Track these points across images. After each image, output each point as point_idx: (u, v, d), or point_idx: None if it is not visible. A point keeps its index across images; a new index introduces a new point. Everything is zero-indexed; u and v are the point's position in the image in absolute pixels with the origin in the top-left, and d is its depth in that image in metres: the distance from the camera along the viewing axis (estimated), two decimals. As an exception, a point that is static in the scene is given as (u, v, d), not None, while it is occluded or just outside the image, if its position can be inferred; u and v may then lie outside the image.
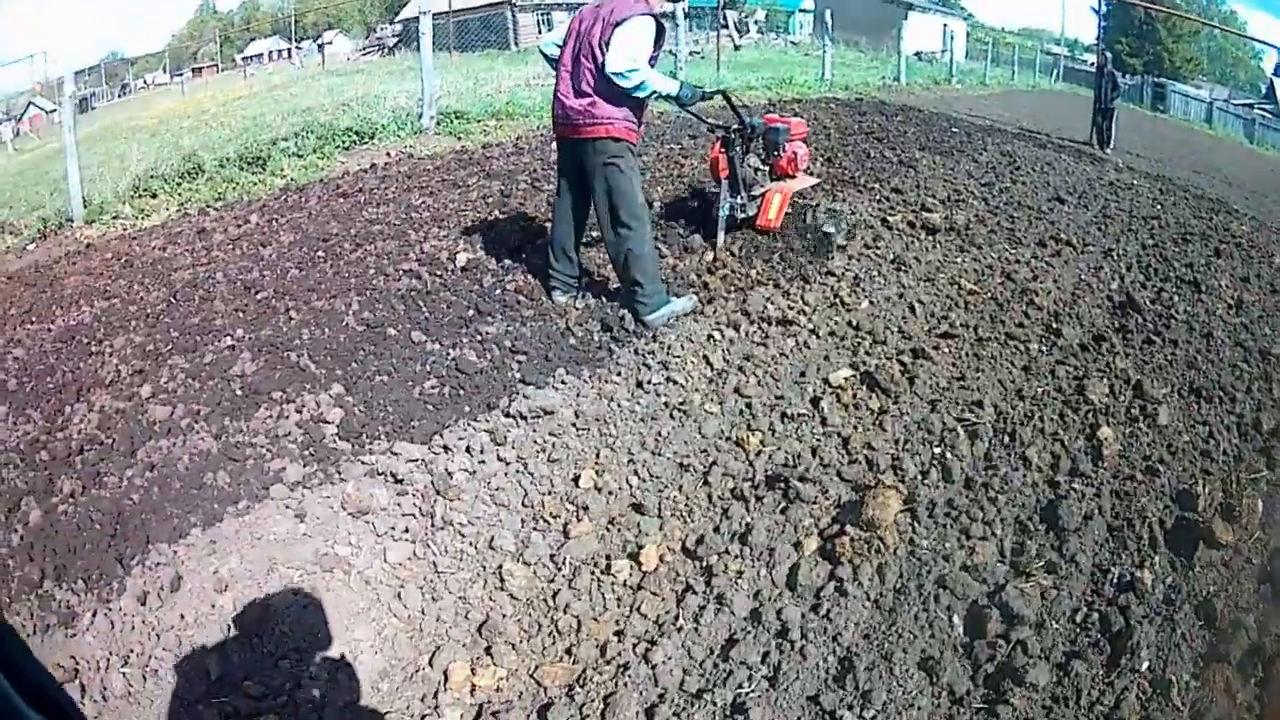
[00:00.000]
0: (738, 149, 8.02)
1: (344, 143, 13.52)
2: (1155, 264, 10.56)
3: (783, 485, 5.31)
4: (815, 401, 6.29)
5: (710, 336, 6.99)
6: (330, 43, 58.75)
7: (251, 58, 60.58)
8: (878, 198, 11.13)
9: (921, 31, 49.64)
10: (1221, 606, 4.65)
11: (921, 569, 4.79)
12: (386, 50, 50.04)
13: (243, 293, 7.50)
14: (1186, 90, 56.50)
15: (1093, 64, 28.10)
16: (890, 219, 10.04)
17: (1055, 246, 10.37)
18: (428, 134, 14.08)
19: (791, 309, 7.45)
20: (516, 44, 49.38)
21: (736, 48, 28.82)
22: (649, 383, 6.38)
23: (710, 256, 8.16)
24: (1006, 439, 6.03)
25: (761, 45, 47.00)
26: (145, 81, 54.41)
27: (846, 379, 6.53)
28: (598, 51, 6.17)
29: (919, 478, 5.56)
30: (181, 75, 54.83)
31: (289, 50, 58.80)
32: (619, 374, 6.49)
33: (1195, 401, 6.81)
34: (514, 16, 51.43)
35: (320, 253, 8.36)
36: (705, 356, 6.72)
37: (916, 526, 5.09)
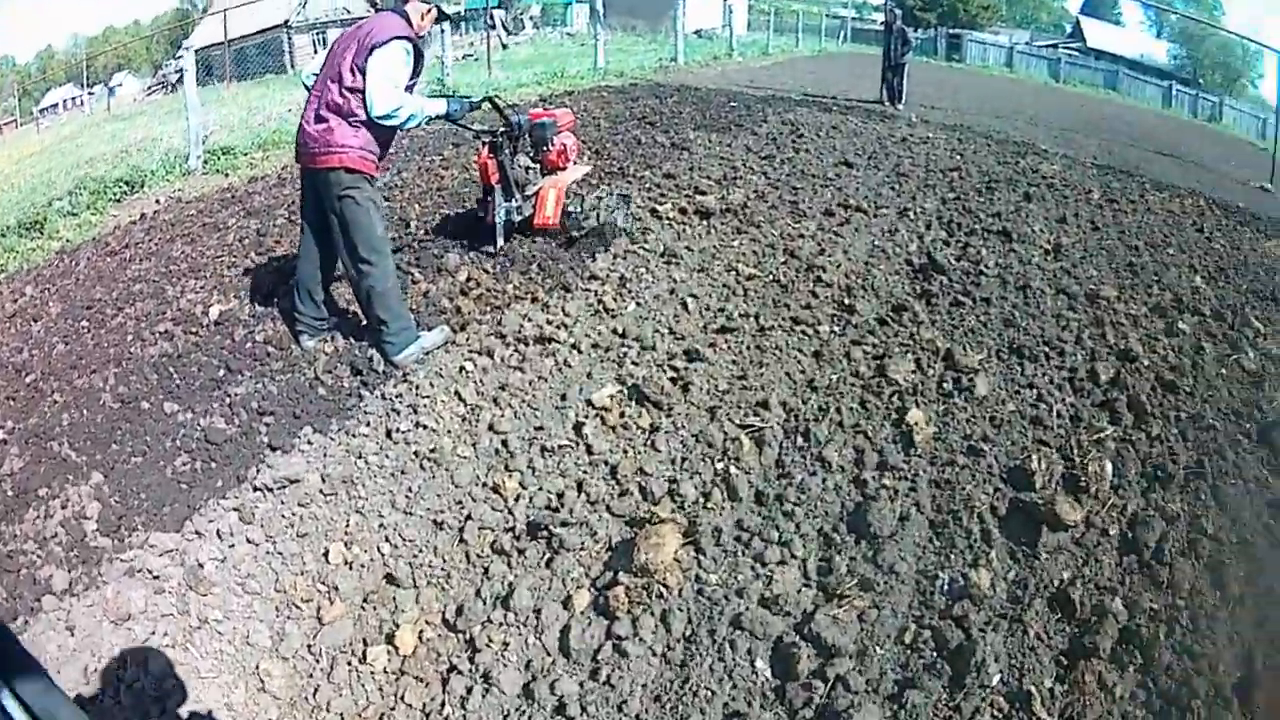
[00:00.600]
0: (506, 151, 8.15)
1: (116, 195, 13.08)
2: (958, 218, 10.58)
3: (545, 533, 4.98)
4: (578, 428, 5.95)
5: (462, 369, 6.58)
6: (120, 85, 58.35)
7: (47, 109, 59.14)
8: (648, 186, 10.96)
9: (701, 9, 49.29)
10: (1080, 595, 4.40)
11: (713, 610, 4.38)
12: (170, 88, 49.08)
13: (14, 377, 7.14)
14: (984, 38, 58.93)
15: (882, 23, 28.58)
16: (660, 208, 9.91)
17: (844, 214, 10.26)
18: (197, 175, 13.79)
19: (550, 324, 7.14)
20: (293, 66, 48.06)
21: (505, 47, 28.42)
22: (398, 431, 5.97)
23: (464, 276, 7.90)
24: (800, 440, 5.69)
25: (537, 40, 46.72)
26: (-50, 144, 53.54)
27: (612, 397, 6.19)
28: (346, 73, 6.08)
29: (700, 501, 5.17)
30: (-16, 132, 53.83)
31: (82, 98, 57.78)
32: (368, 424, 6.07)
33: (1018, 363, 6.67)
34: (289, 39, 51.48)
35: (84, 322, 8.00)
36: (457, 392, 6.31)
37: (702, 560, 4.69)
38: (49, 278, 9.70)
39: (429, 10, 6.45)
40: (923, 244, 9.38)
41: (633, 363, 6.68)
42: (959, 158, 14.38)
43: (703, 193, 10.58)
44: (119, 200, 12.91)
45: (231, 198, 11.85)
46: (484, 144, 8.25)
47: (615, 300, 7.63)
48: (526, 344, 6.87)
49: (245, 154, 14.83)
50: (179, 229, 10.64)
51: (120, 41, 61.06)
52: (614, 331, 7.15)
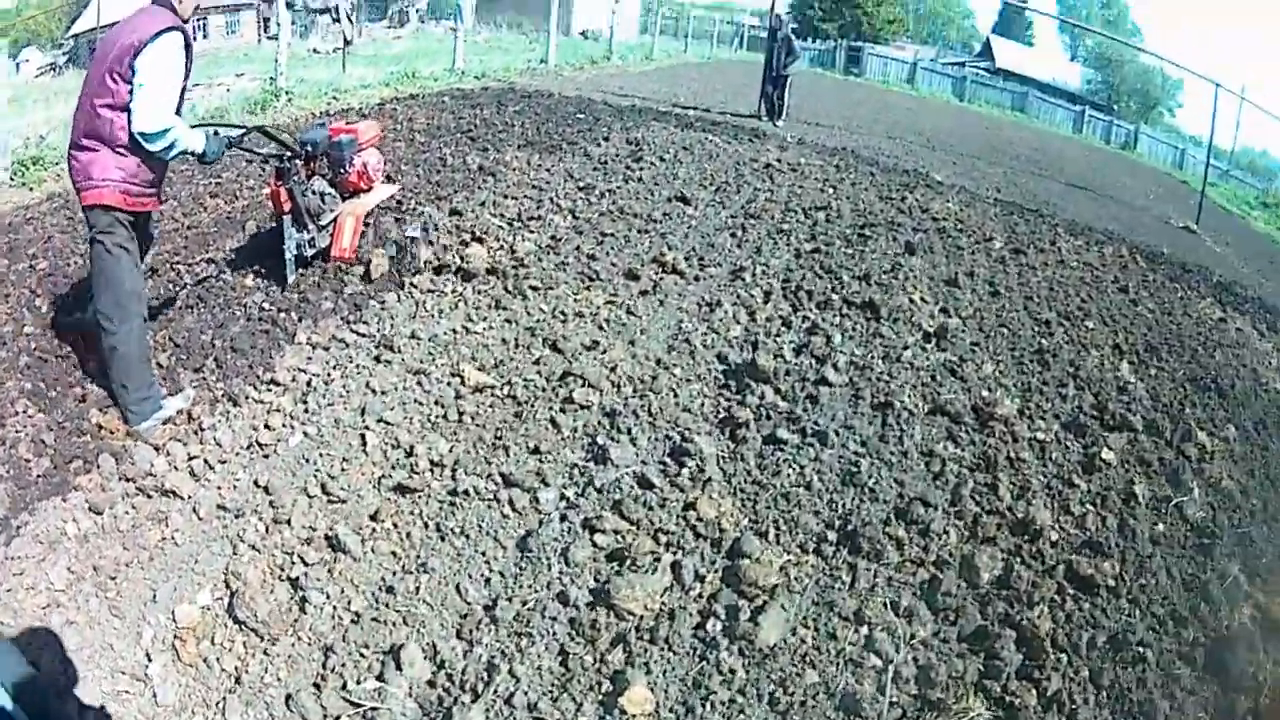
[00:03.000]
0: (295, 177, 7.27)
1: None
2: (811, 282, 8.36)
3: None
4: (148, 660, 4.18)
5: (64, 533, 4.75)
6: (27, 60, 57.42)
7: None
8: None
9: (590, 8, 50.27)
10: None
11: None
12: (57, 70, 47.48)
13: None
14: (885, 52, 58.93)
15: (767, 29, 26.49)
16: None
17: (653, 276, 8.06)
18: (3, 188, 12.17)
19: (190, 461, 5.35)
20: None
21: (348, 42, 26.21)
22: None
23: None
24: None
25: (420, 34, 46.63)
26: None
27: (205, 610, 4.39)
28: (107, 85, 5.36)
29: None
30: (-111, 109, 53.42)
31: None
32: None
33: (848, 564, 4.44)
34: None
35: None
36: (48, 577, 4.50)
37: None
38: None
39: None
40: (750, 328, 7.18)
41: (253, 546, 4.71)
42: (831, 191, 12.34)
43: (480, 239, 8.51)
44: (-81, 220, 11.66)
45: (8, 225, 10.06)
46: (273, 169, 7.33)
47: (285, 423, 5.70)
48: (149, 495, 5.06)
49: (56, 163, 13.09)
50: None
51: (30, 16, 61.64)
52: (255, 484, 5.16)
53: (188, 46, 5.61)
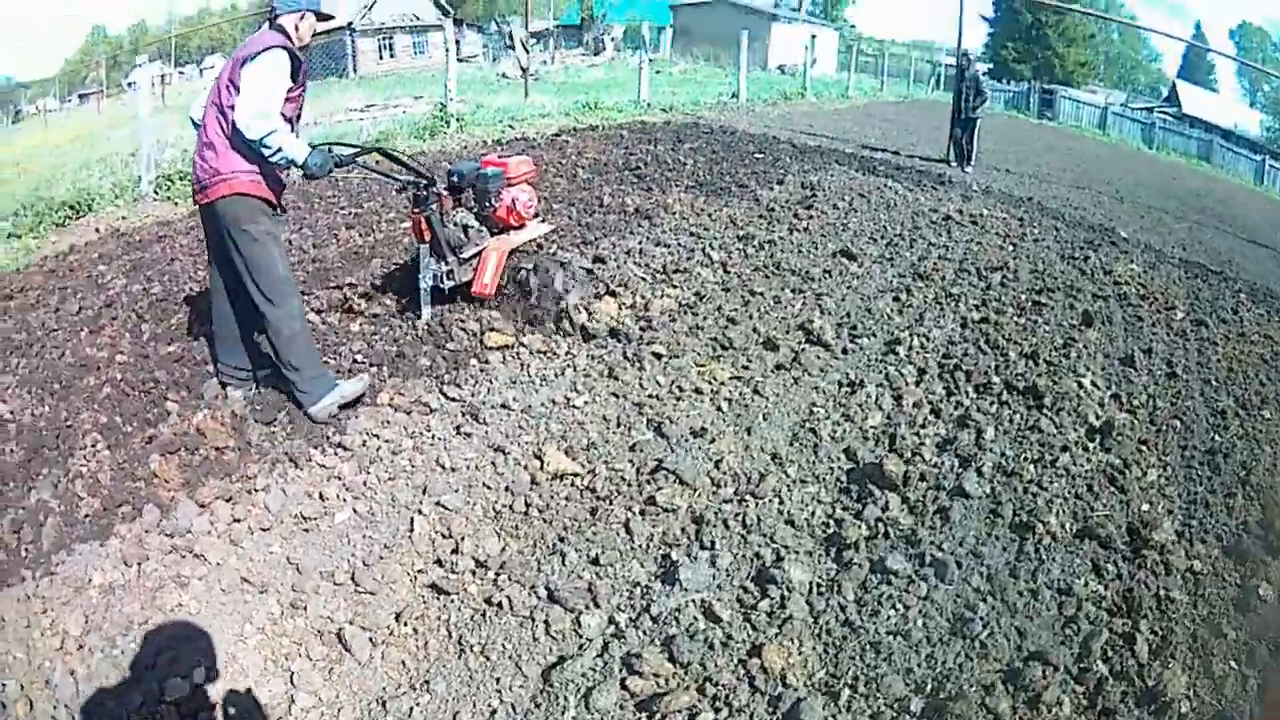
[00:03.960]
0: (434, 206, 7.19)
1: (59, 218, 11.88)
2: (973, 359, 7.48)
3: None
4: None
5: (79, 588, 4.47)
6: (211, 67, 62.40)
7: (134, 83, 66.32)
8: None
9: (787, 43, 51.02)
10: None
11: None
12: None
13: None
14: (1078, 95, 57.04)
15: (954, 67, 25.30)
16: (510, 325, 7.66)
17: (793, 347, 7.30)
18: (147, 201, 12.55)
19: (232, 525, 4.95)
20: (355, 70, 54.82)
21: (524, 69, 26.32)
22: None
23: (201, 419, 5.98)
24: None
25: (616, 63, 47.50)
26: (36, 107, 59.40)
27: (195, 690, 4.08)
28: (226, 93, 5.67)
29: None
30: (69, 101, 59.55)
31: (172, 75, 61.81)
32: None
33: None
34: (353, 41, 55.96)
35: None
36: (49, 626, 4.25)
37: None
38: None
39: (303, 17, 5.94)
40: (893, 416, 6.30)
41: (261, 629, 4.41)
42: (1011, 249, 11.46)
43: (614, 293, 8.12)
44: (62, 225, 11.79)
45: (140, 241, 10.41)
46: (410, 197, 7.25)
47: (338, 494, 5.23)
48: (181, 555, 4.72)
49: (199, 178, 13.42)
50: (70, 278, 9.13)
51: (213, 24, 64.98)
52: (288, 560, 4.79)
53: (296, 67, 5.75)
